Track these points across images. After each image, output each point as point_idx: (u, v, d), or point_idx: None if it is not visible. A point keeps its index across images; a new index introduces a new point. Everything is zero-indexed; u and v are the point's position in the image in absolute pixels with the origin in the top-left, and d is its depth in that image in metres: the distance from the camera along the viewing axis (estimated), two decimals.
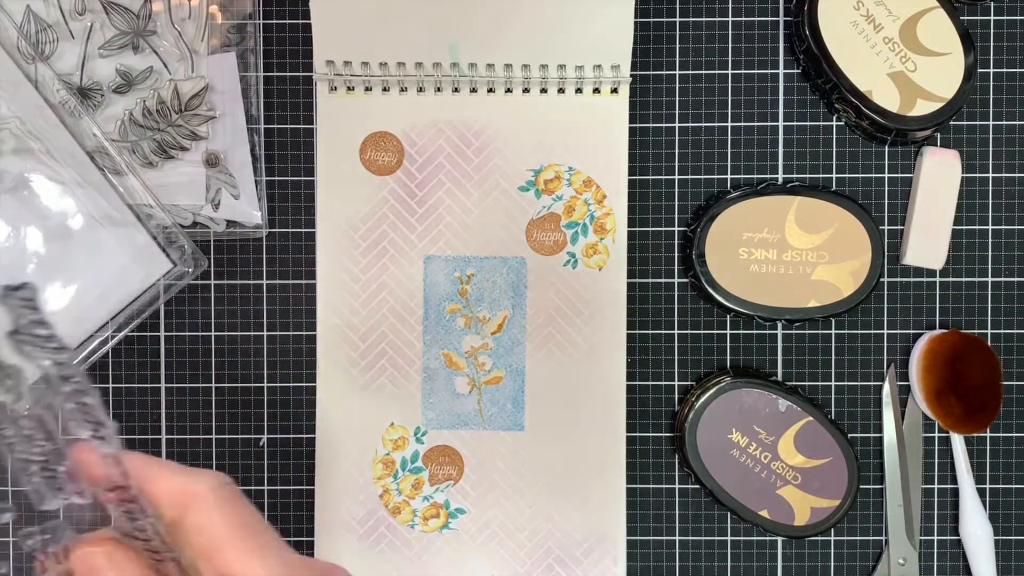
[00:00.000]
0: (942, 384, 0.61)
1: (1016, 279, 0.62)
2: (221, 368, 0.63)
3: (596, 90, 0.61)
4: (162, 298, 0.61)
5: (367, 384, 0.61)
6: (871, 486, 0.63)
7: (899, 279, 0.63)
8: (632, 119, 0.62)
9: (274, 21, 0.62)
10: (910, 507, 0.62)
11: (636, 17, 0.61)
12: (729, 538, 0.62)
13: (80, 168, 0.59)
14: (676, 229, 0.63)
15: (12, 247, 0.59)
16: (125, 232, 0.59)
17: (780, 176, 0.63)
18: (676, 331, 0.63)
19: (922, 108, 0.60)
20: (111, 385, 0.62)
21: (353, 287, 0.62)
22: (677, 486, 0.63)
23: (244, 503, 0.40)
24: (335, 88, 0.61)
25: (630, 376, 0.62)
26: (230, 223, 0.61)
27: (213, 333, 0.62)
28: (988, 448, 0.63)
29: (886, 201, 0.63)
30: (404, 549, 0.62)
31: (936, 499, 0.63)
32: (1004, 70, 0.62)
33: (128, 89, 0.60)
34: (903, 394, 0.62)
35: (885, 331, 0.63)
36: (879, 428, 0.63)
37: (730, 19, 0.62)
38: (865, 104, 0.60)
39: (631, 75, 0.61)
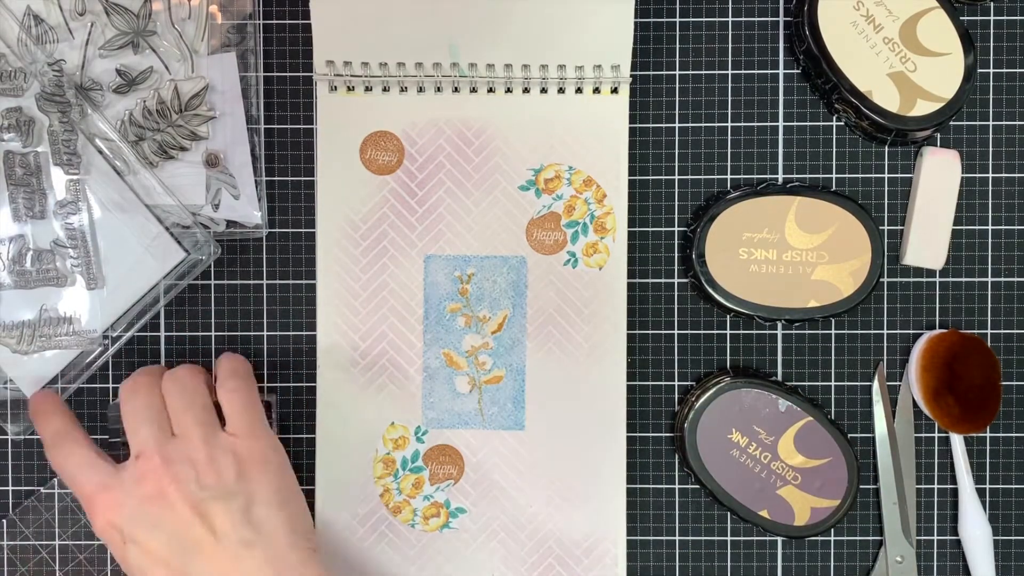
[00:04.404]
0: (939, 384, 0.61)
1: (1016, 279, 0.63)
2: None
3: (596, 90, 0.61)
4: (162, 299, 0.61)
5: (367, 384, 0.62)
6: (871, 486, 0.63)
7: (899, 279, 0.63)
8: (632, 119, 0.62)
9: (274, 21, 0.62)
10: (905, 504, 0.62)
11: (636, 17, 0.61)
12: (729, 538, 0.63)
13: (91, 158, 0.59)
14: (676, 229, 0.63)
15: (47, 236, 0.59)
16: (139, 222, 0.60)
17: (780, 176, 0.63)
18: (676, 331, 0.63)
19: (922, 108, 0.60)
20: (111, 385, 0.62)
21: (353, 287, 0.62)
22: (677, 486, 0.63)
23: None
24: (335, 88, 0.61)
25: (630, 376, 0.62)
26: (230, 223, 0.61)
27: (213, 333, 0.63)
28: (988, 448, 0.63)
29: (886, 201, 0.63)
30: (404, 548, 0.62)
31: (936, 499, 0.63)
32: (1004, 70, 0.62)
33: (128, 89, 0.60)
34: (894, 393, 0.63)
35: (885, 331, 0.63)
36: None
37: (730, 19, 0.62)
38: (865, 104, 0.60)
39: (631, 75, 0.61)
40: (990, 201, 0.63)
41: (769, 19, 0.63)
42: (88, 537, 0.62)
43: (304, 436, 0.62)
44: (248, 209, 0.61)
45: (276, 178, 0.62)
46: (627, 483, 0.61)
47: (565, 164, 0.61)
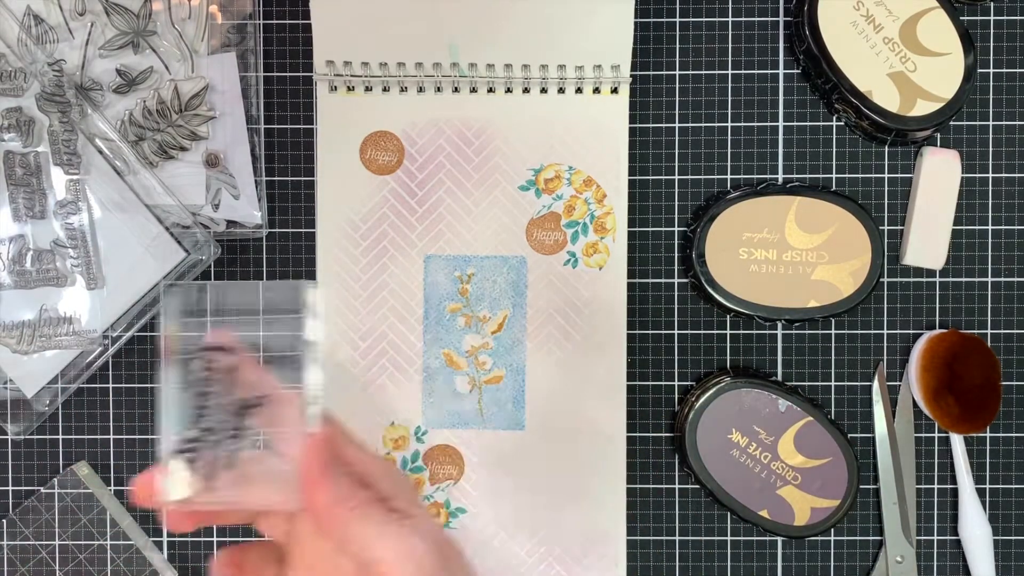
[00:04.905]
0: (939, 384, 0.61)
1: (1016, 279, 0.63)
2: None
3: (596, 90, 0.61)
4: (162, 299, 0.61)
5: (367, 384, 0.62)
6: (871, 486, 0.63)
7: (899, 279, 0.63)
8: (632, 119, 0.62)
9: (274, 21, 0.62)
10: (905, 504, 0.62)
11: (636, 17, 0.61)
12: (729, 538, 0.63)
13: (91, 158, 0.59)
14: (676, 229, 0.63)
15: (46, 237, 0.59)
16: (139, 222, 0.60)
17: (780, 176, 0.63)
18: (676, 331, 0.63)
19: (922, 108, 0.60)
20: (111, 385, 0.62)
21: (353, 287, 0.62)
22: (677, 486, 0.63)
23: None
24: (335, 88, 0.61)
25: (630, 376, 0.62)
26: (230, 223, 0.61)
27: None
28: (988, 448, 0.63)
29: (886, 201, 0.63)
30: None
31: (936, 499, 0.63)
32: (1004, 70, 0.62)
33: (128, 89, 0.60)
34: (894, 394, 0.62)
35: (885, 331, 0.63)
36: None
37: (730, 19, 0.62)
38: (865, 104, 0.60)
39: (631, 75, 0.61)
40: (990, 201, 0.63)
41: (769, 19, 0.63)
42: (88, 537, 0.62)
43: None
44: (248, 209, 0.61)
45: (276, 178, 0.62)
46: (627, 483, 0.61)
47: (565, 164, 0.61)
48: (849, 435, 0.62)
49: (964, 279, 0.62)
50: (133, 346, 0.62)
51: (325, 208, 0.61)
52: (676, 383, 0.63)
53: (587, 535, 0.61)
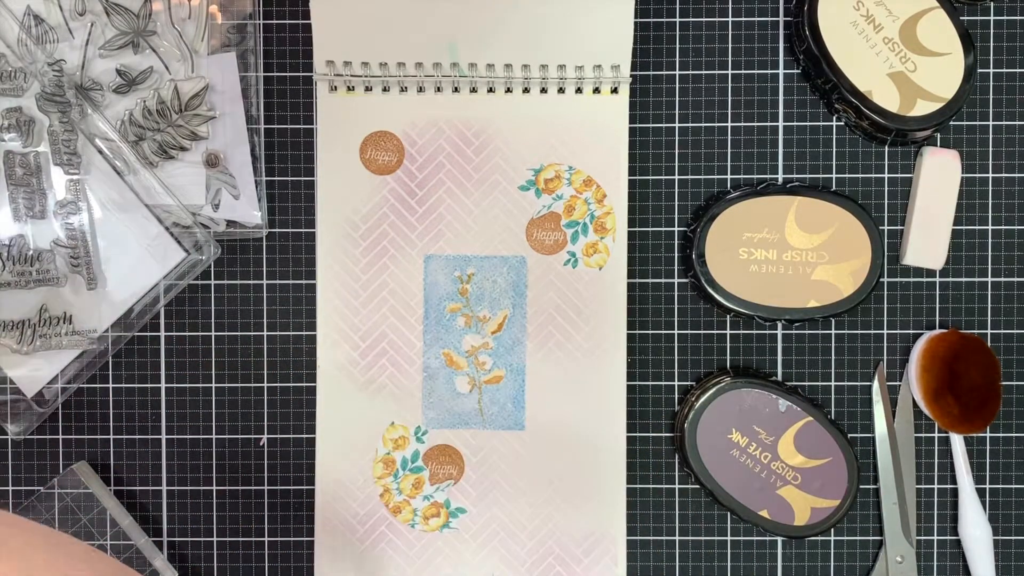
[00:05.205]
0: (939, 384, 0.61)
1: (1016, 279, 0.63)
2: (221, 368, 0.63)
3: (596, 90, 0.61)
4: (162, 299, 0.61)
5: (367, 384, 0.62)
6: (871, 486, 0.63)
7: (899, 279, 0.63)
8: (632, 119, 0.62)
9: (274, 21, 0.62)
10: (905, 504, 0.62)
11: (636, 17, 0.61)
12: (729, 538, 0.63)
13: (91, 158, 0.59)
14: (676, 229, 0.63)
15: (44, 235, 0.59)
16: (139, 222, 0.60)
17: (780, 176, 0.63)
18: (676, 331, 0.63)
19: (922, 108, 0.60)
20: (111, 385, 0.62)
21: (353, 287, 0.62)
22: (677, 486, 0.63)
23: None
24: (335, 88, 0.61)
25: (630, 376, 0.62)
26: (230, 223, 0.61)
27: (213, 333, 0.63)
28: (988, 448, 0.63)
29: (886, 201, 0.63)
30: (404, 549, 0.62)
31: (936, 499, 0.63)
32: (1004, 70, 0.62)
33: (128, 89, 0.60)
34: (894, 394, 0.62)
35: (885, 331, 0.63)
36: None
37: (730, 19, 0.62)
38: (865, 104, 0.60)
39: (631, 75, 0.61)
40: (990, 201, 0.63)
41: (769, 19, 0.63)
42: (88, 537, 0.62)
43: (304, 436, 0.63)
44: (248, 209, 0.61)
45: (276, 178, 0.62)
46: (627, 483, 0.61)
47: (565, 164, 0.61)
48: (849, 435, 0.62)
49: (964, 279, 0.63)
50: (133, 346, 0.62)
51: (325, 208, 0.61)
52: (676, 383, 0.63)
53: (587, 535, 0.61)
